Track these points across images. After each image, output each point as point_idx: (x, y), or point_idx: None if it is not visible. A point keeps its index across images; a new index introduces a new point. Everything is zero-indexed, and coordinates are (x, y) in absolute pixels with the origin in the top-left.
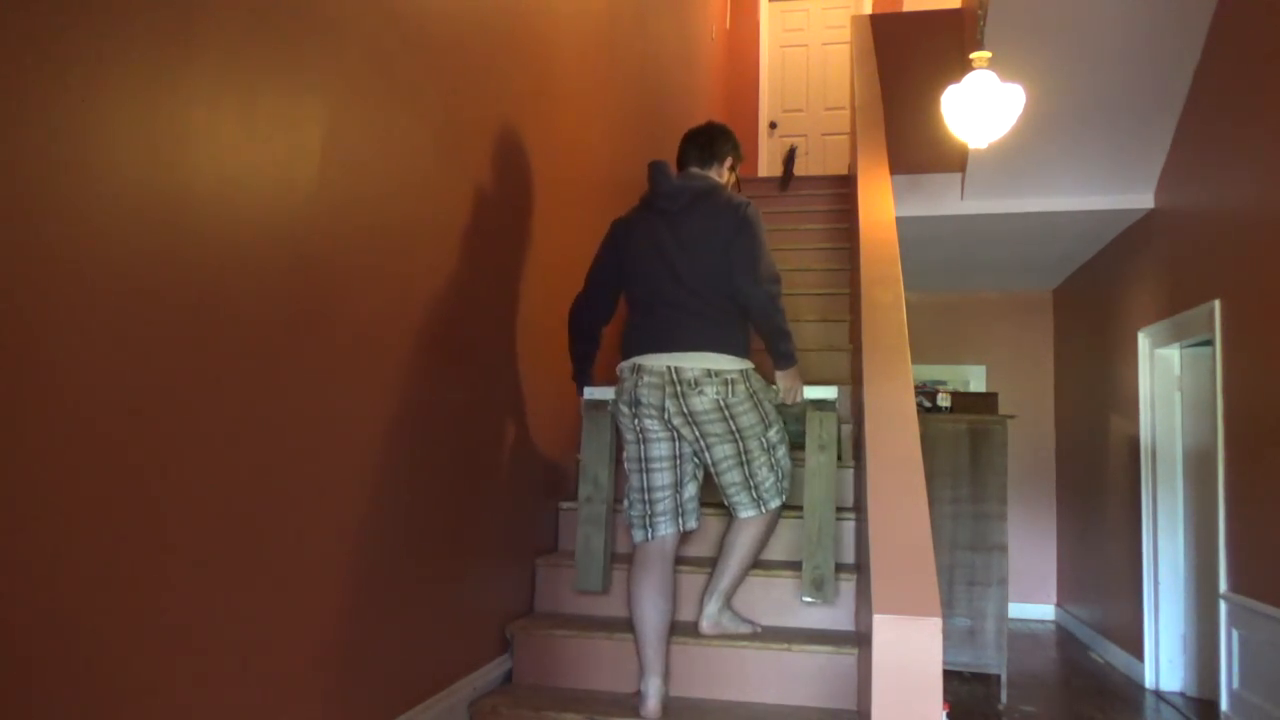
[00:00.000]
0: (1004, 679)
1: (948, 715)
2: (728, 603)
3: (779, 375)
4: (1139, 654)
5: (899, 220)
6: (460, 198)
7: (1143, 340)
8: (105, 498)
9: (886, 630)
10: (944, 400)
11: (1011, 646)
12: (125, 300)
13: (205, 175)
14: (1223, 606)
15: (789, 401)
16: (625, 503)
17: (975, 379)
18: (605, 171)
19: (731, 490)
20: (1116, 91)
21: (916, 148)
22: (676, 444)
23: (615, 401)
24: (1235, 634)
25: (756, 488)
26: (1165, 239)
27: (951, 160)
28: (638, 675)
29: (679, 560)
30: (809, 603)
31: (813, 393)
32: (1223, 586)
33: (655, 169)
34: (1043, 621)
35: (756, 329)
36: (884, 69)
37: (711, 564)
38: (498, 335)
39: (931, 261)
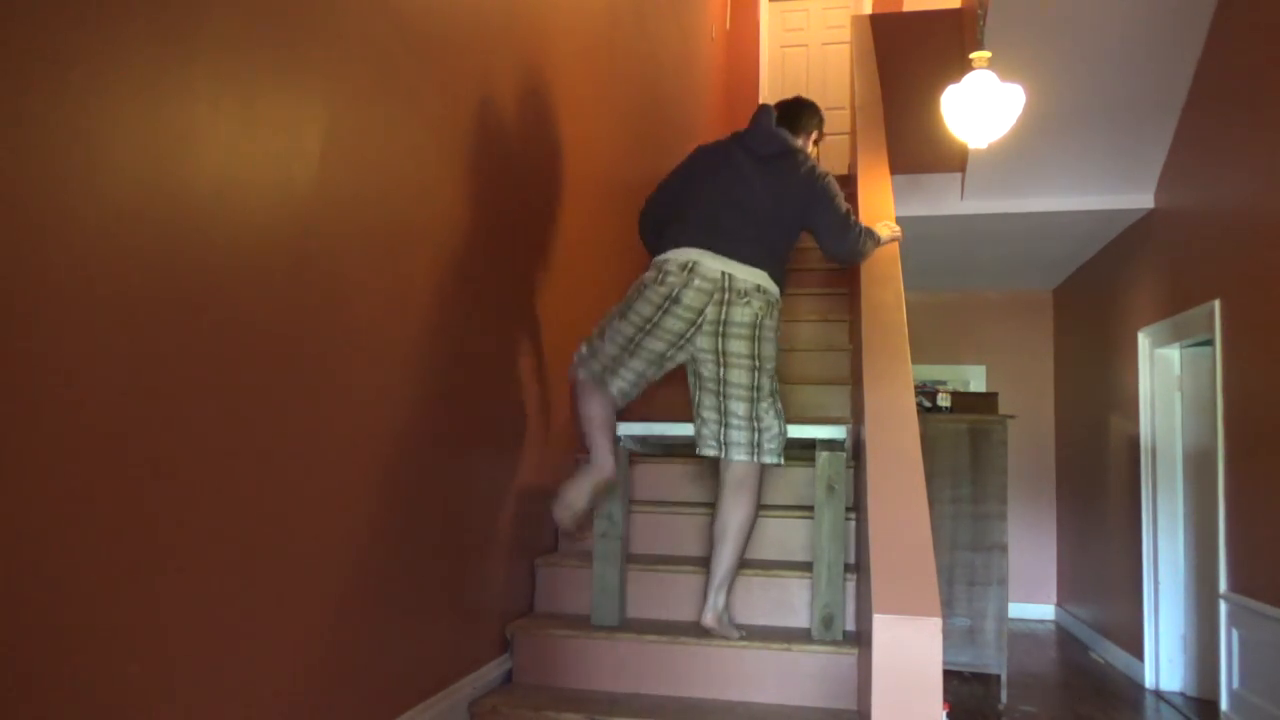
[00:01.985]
0: (1004, 679)
1: (948, 715)
2: (728, 600)
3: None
4: (1139, 654)
5: (899, 220)
6: (460, 197)
7: (1143, 340)
8: (104, 497)
9: (886, 630)
10: (944, 400)
11: (1011, 646)
12: (125, 300)
13: (205, 175)
14: (1223, 606)
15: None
16: (583, 348)
17: (975, 379)
18: (606, 171)
19: (733, 421)
20: (1116, 91)
21: (916, 148)
22: (671, 351)
23: (649, 283)
24: (1235, 634)
25: (760, 431)
26: (1165, 239)
27: (951, 160)
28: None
29: (674, 560)
30: (818, 640)
31: (821, 432)
32: (1223, 586)
33: (761, 111)
34: (1043, 621)
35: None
36: (884, 69)
37: (703, 563)
38: (498, 334)
39: (931, 261)
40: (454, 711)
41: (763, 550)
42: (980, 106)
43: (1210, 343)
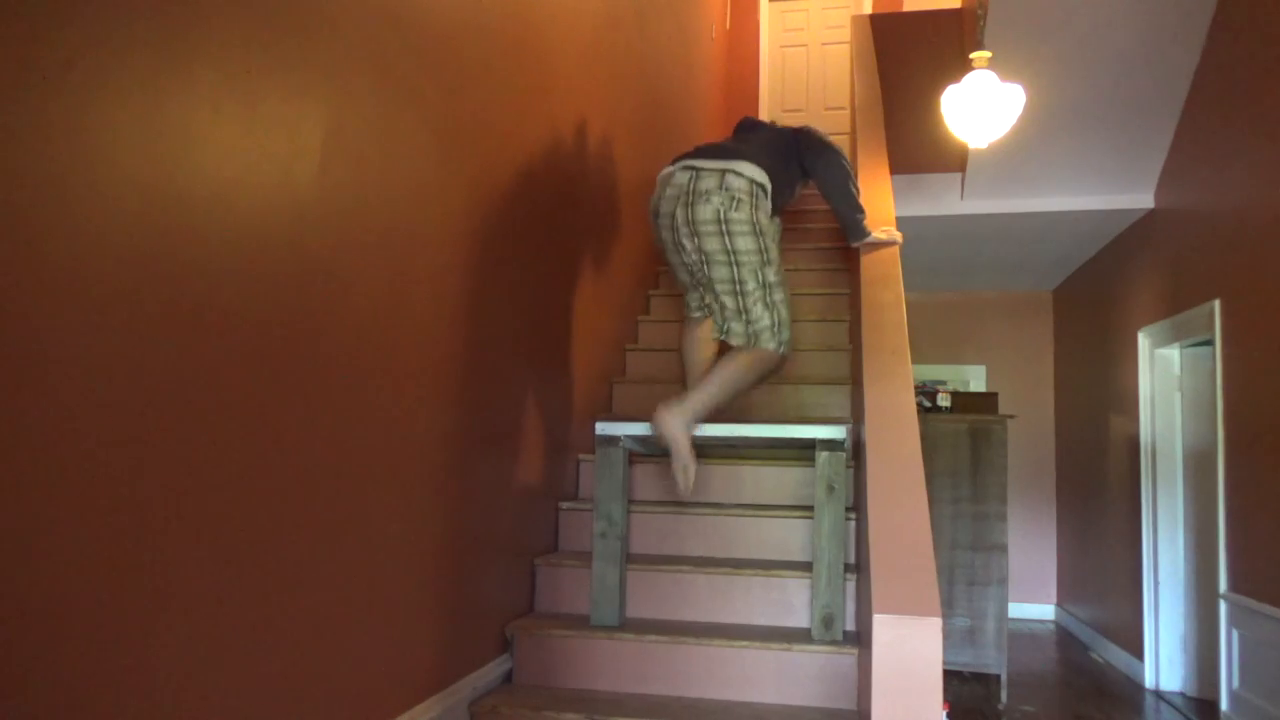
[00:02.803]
0: (1004, 679)
1: (948, 715)
2: (693, 422)
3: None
4: (1139, 654)
5: (899, 220)
6: (460, 198)
7: (1143, 340)
8: (103, 497)
9: (886, 630)
10: (944, 400)
11: (1011, 646)
12: (125, 300)
13: (205, 176)
14: (1223, 606)
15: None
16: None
17: (975, 379)
18: (605, 171)
19: (728, 313)
20: (1116, 91)
21: (916, 148)
22: (682, 255)
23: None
24: (1235, 634)
25: (751, 323)
26: (1165, 239)
27: (951, 160)
28: (676, 448)
29: (674, 560)
30: (818, 640)
31: (821, 432)
32: (1223, 586)
33: (742, 120)
34: (1043, 621)
35: (830, 200)
36: (884, 69)
37: (704, 563)
38: (498, 334)
39: (931, 261)
40: (454, 711)
41: (763, 550)
42: (980, 106)
43: (1210, 343)
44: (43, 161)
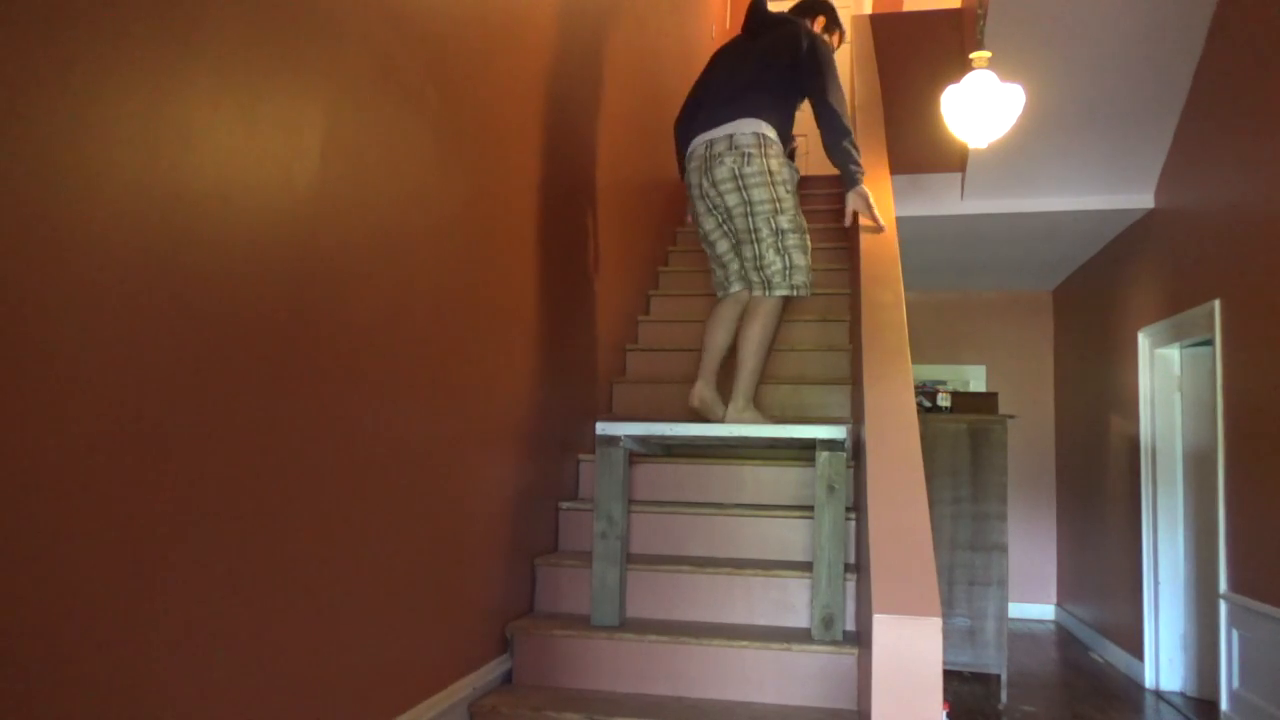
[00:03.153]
0: (1004, 679)
1: (948, 715)
2: (749, 402)
3: (847, 198)
4: (1139, 654)
5: (899, 220)
6: (461, 198)
7: (1143, 340)
8: (102, 498)
9: (886, 630)
10: (944, 400)
11: (1011, 646)
12: (124, 302)
13: (205, 176)
14: (1223, 606)
15: (846, 224)
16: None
17: (975, 379)
18: (605, 170)
19: (746, 265)
20: (1116, 91)
21: (916, 148)
22: (718, 216)
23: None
24: (1235, 634)
25: (763, 269)
26: (1165, 239)
27: (951, 160)
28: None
29: (674, 560)
30: (818, 640)
31: (821, 432)
32: (1223, 586)
33: (753, 2)
34: (1043, 621)
35: (825, 147)
36: (884, 69)
37: (703, 563)
38: (499, 334)
39: (931, 261)
40: (454, 711)
41: (763, 550)
42: (980, 106)
43: (1210, 343)
44: (43, 161)
